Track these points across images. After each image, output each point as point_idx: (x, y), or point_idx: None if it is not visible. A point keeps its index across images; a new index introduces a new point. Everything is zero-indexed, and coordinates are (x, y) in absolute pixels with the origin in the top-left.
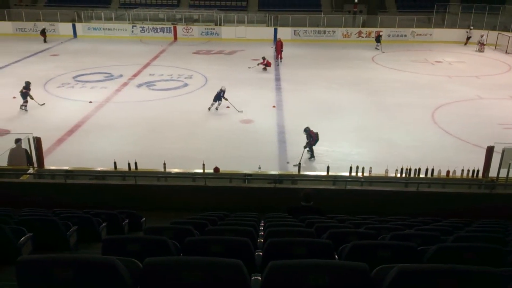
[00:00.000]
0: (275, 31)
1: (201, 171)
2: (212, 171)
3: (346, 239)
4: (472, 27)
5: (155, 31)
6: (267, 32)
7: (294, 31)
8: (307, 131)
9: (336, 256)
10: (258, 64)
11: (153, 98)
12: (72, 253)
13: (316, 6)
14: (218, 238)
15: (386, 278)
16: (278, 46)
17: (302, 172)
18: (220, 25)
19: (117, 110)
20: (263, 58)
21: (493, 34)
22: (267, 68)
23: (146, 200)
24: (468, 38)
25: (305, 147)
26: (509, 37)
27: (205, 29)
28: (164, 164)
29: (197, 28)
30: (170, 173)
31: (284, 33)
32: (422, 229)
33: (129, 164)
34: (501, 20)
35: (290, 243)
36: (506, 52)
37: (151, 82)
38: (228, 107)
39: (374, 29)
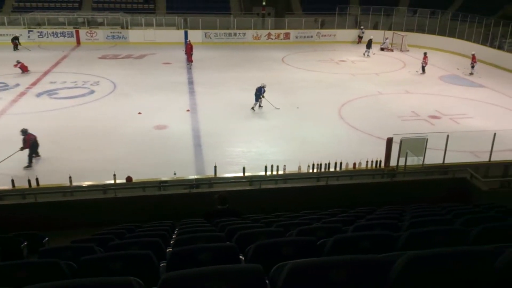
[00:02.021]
0: (186, 33)
1: (112, 182)
2: (124, 181)
3: (255, 240)
4: (362, 27)
5: (55, 35)
6: (177, 35)
7: (205, 33)
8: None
9: (242, 258)
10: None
11: (55, 107)
12: None
13: (225, 9)
14: (116, 254)
15: (280, 276)
16: (188, 49)
17: (218, 175)
18: (127, 28)
19: (14, 122)
20: (18, 62)
21: (388, 34)
22: (25, 72)
23: (51, 218)
24: (360, 37)
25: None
26: (403, 36)
27: (111, 32)
28: (70, 178)
29: (102, 32)
30: (77, 187)
31: (195, 35)
32: (328, 222)
33: (29, 181)
34: (395, 21)
35: (194, 250)
36: (400, 50)
37: (52, 91)
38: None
39: (282, 31)
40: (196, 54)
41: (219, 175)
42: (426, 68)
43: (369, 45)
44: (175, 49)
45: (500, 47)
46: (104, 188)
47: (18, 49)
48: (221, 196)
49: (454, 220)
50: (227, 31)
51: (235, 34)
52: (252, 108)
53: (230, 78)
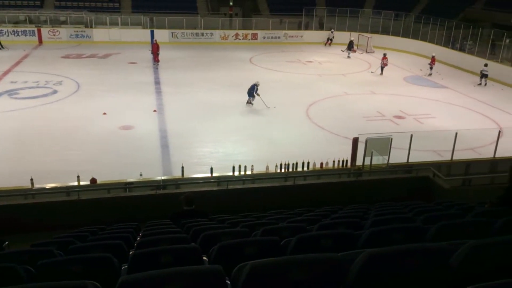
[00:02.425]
0: (152, 33)
1: (76, 184)
2: (88, 183)
3: (219, 241)
4: (332, 30)
5: (16, 34)
6: (143, 34)
7: (172, 33)
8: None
9: (206, 260)
10: None
11: (16, 107)
12: None
13: (192, 9)
14: (75, 257)
15: (241, 277)
16: (155, 49)
17: (186, 176)
18: (91, 27)
19: None
20: None
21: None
22: None
23: (11, 221)
24: (330, 40)
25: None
26: (368, 37)
27: (74, 31)
28: (32, 180)
29: (65, 31)
30: (39, 189)
31: (162, 35)
32: (294, 221)
33: None
34: (360, 23)
35: (156, 252)
36: (366, 52)
37: (13, 90)
38: (155, 110)
39: (250, 31)
40: (162, 54)
41: (186, 175)
42: (385, 69)
43: (350, 46)
44: (141, 49)
45: (461, 49)
46: (68, 190)
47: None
48: (187, 197)
49: (415, 218)
50: (194, 31)
51: (202, 34)
52: (247, 102)
53: (197, 78)
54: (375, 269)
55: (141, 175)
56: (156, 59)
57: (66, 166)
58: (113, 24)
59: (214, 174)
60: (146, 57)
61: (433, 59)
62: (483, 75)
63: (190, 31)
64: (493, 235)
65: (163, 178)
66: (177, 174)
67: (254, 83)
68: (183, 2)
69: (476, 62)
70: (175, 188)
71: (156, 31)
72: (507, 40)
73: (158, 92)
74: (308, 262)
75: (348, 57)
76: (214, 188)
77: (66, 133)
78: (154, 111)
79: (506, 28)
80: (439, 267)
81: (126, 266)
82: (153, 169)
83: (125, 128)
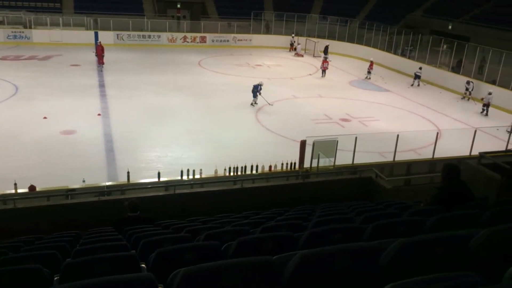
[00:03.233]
0: (96, 34)
1: (13, 191)
2: (27, 190)
3: (160, 247)
4: (293, 34)
5: None
6: (86, 35)
7: (117, 35)
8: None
9: (144, 267)
10: None
11: None
12: None
13: (138, 10)
14: (3, 270)
15: (174, 282)
16: (99, 51)
17: (132, 181)
18: (30, 27)
19: None
20: None
21: (301, 40)
22: None
23: None
24: (292, 45)
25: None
26: (315, 42)
27: (12, 32)
28: None
29: (1, 31)
30: None
31: (106, 36)
32: (238, 224)
33: None
34: (308, 27)
35: (89, 261)
36: (313, 56)
37: None
38: (99, 114)
39: (198, 34)
40: (107, 56)
41: (132, 181)
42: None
43: (325, 51)
44: (84, 51)
45: (403, 54)
46: (3, 198)
47: None
48: (132, 203)
49: (356, 218)
50: (141, 33)
51: (149, 36)
52: (251, 104)
53: (144, 81)
54: (307, 271)
55: (83, 181)
56: (100, 62)
57: (2, 174)
58: (54, 25)
59: (161, 179)
60: (90, 59)
61: (371, 64)
62: (417, 76)
63: (136, 33)
64: (425, 233)
65: (107, 184)
66: (122, 179)
67: (258, 83)
68: (129, 3)
69: (416, 67)
70: (120, 194)
71: (100, 33)
72: (445, 46)
73: (103, 95)
74: (242, 266)
75: (330, 60)
76: (161, 193)
77: (3, 138)
78: (99, 115)
79: (443, 35)
80: (369, 266)
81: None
82: (97, 175)
83: (67, 133)
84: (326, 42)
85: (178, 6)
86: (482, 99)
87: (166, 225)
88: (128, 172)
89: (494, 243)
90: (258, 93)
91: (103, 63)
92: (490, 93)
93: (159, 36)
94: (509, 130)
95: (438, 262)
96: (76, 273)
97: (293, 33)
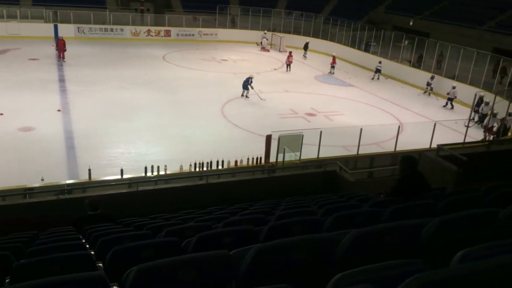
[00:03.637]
0: (55, 27)
1: None
2: None
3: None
4: (266, 32)
5: None
6: (45, 28)
7: (78, 28)
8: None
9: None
10: None
11: None
12: None
13: (100, 3)
14: None
15: (128, 280)
16: (60, 45)
17: (94, 179)
18: None
19: None
20: None
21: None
22: None
23: None
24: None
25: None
26: (281, 37)
27: None
28: None
29: None
30: None
31: (67, 30)
32: (201, 220)
33: None
34: (273, 22)
35: (42, 262)
36: (279, 51)
37: None
38: (59, 110)
39: (163, 28)
40: (68, 50)
41: (94, 178)
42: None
43: (305, 47)
44: (44, 44)
45: (366, 50)
46: None
47: None
48: (92, 201)
49: (318, 211)
50: (103, 26)
51: (111, 30)
52: (242, 95)
53: (107, 76)
54: (263, 263)
55: (42, 179)
56: (61, 56)
57: None
58: (11, 17)
59: (125, 176)
60: (49, 53)
61: (333, 59)
62: (377, 70)
63: (98, 26)
64: (381, 223)
65: (68, 182)
66: (84, 177)
67: (249, 76)
68: None
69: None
70: (81, 192)
71: (60, 26)
72: (406, 42)
73: (63, 90)
74: (197, 260)
75: (304, 57)
76: (124, 190)
77: None
78: (58, 110)
79: (405, 31)
80: (325, 257)
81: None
82: (57, 173)
83: (25, 130)
84: (306, 38)
85: None
86: (448, 93)
87: (128, 223)
88: (89, 170)
89: (444, 231)
90: (249, 86)
91: (63, 58)
92: (454, 87)
93: (122, 30)
94: (466, 124)
95: (391, 251)
96: (28, 274)
97: (265, 31)
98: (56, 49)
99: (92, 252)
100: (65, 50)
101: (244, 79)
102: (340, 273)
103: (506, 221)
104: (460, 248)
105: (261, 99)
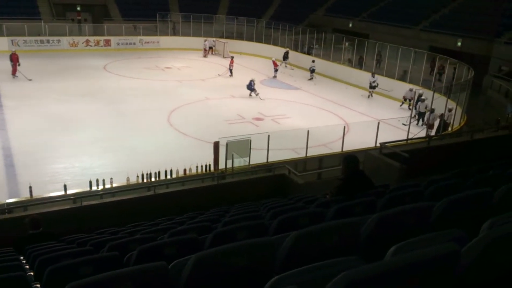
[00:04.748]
0: None
1: None
2: None
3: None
4: (207, 39)
5: None
6: None
7: (12, 40)
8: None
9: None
10: None
11: None
12: None
13: (34, 14)
14: None
15: None
16: (14, 60)
17: (36, 196)
18: None
19: None
20: None
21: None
22: None
23: None
24: (211, 48)
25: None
26: (224, 43)
27: None
28: None
29: None
30: None
31: (0, 43)
32: (148, 232)
33: None
34: (215, 28)
35: None
36: (223, 57)
37: None
38: None
39: (102, 38)
40: (1, 64)
41: (36, 196)
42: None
43: (285, 56)
44: None
45: (309, 53)
46: None
47: None
48: (33, 219)
49: (265, 215)
50: (38, 38)
51: (48, 41)
52: (256, 95)
53: (44, 88)
54: (203, 272)
55: None
56: (14, 72)
57: None
58: None
59: (69, 191)
60: None
61: (274, 63)
62: (312, 70)
63: (33, 38)
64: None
65: (8, 201)
66: (25, 195)
67: (251, 79)
68: (23, 7)
69: (322, 64)
70: (23, 210)
71: None
72: (347, 43)
73: None
74: (134, 274)
75: (286, 66)
76: (67, 207)
77: None
78: None
79: (345, 32)
80: (267, 261)
81: None
82: None
83: None
84: (284, 49)
85: (78, 8)
86: (404, 97)
87: (72, 239)
88: (30, 187)
89: (382, 227)
90: (253, 89)
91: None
92: (411, 90)
93: (59, 41)
94: (405, 122)
95: (332, 250)
96: None
97: (206, 39)
98: (12, 65)
99: (32, 273)
100: (19, 65)
101: (247, 83)
102: (275, 276)
103: (441, 214)
104: (398, 242)
105: (261, 99)
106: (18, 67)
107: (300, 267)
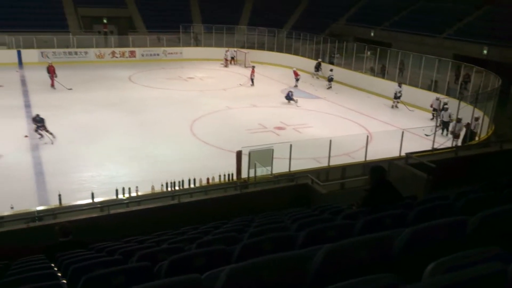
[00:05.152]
0: (19, 53)
1: None
2: None
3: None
4: (228, 50)
5: None
6: (8, 55)
7: (42, 53)
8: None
9: None
10: None
11: None
12: None
13: (63, 27)
14: None
15: None
16: (51, 71)
17: (64, 204)
18: None
19: None
20: None
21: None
22: None
23: None
24: (232, 58)
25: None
26: (245, 53)
27: None
28: None
29: None
30: None
31: (30, 55)
32: (174, 242)
33: None
34: (237, 39)
35: None
36: (245, 66)
37: None
38: (26, 136)
39: (127, 49)
40: (32, 75)
41: (65, 204)
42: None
43: (317, 67)
44: (7, 70)
45: (330, 62)
46: None
47: None
48: (63, 227)
49: (291, 226)
50: (67, 50)
51: (76, 53)
52: (295, 103)
53: (73, 99)
54: (235, 286)
55: (12, 207)
56: (53, 83)
57: None
58: None
59: (96, 199)
60: (14, 79)
61: (295, 73)
62: (330, 79)
63: (62, 50)
64: (353, 236)
65: (38, 209)
66: (54, 203)
67: (288, 90)
68: (52, 20)
69: (343, 73)
70: (52, 218)
71: (23, 51)
72: (369, 52)
73: (29, 116)
74: (171, 287)
75: (317, 78)
76: (96, 215)
77: None
78: (26, 136)
79: (366, 42)
80: (298, 275)
81: None
82: (27, 200)
83: None
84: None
85: (105, 21)
86: (431, 105)
87: (101, 248)
88: (59, 195)
89: (415, 242)
90: (291, 98)
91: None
92: (437, 99)
93: (86, 53)
94: (427, 133)
95: (364, 265)
96: None
97: (227, 49)
98: (50, 77)
99: (65, 281)
100: (55, 76)
101: (285, 94)
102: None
103: (476, 229)
104: (432, 258)
105: (298, 106)
106: (55, 78)
107: (331, 282)
